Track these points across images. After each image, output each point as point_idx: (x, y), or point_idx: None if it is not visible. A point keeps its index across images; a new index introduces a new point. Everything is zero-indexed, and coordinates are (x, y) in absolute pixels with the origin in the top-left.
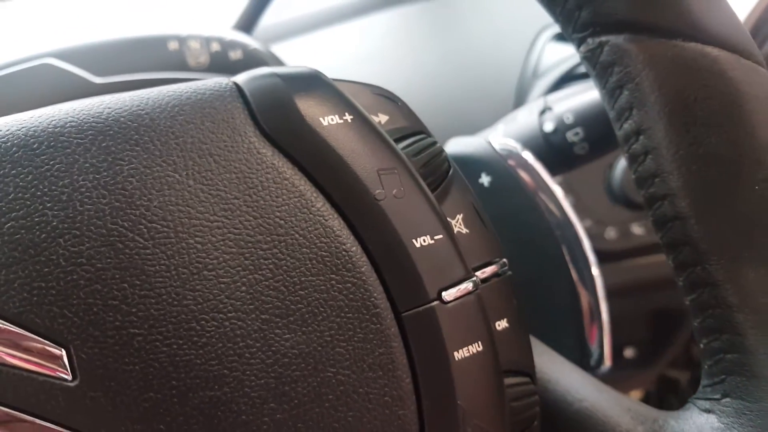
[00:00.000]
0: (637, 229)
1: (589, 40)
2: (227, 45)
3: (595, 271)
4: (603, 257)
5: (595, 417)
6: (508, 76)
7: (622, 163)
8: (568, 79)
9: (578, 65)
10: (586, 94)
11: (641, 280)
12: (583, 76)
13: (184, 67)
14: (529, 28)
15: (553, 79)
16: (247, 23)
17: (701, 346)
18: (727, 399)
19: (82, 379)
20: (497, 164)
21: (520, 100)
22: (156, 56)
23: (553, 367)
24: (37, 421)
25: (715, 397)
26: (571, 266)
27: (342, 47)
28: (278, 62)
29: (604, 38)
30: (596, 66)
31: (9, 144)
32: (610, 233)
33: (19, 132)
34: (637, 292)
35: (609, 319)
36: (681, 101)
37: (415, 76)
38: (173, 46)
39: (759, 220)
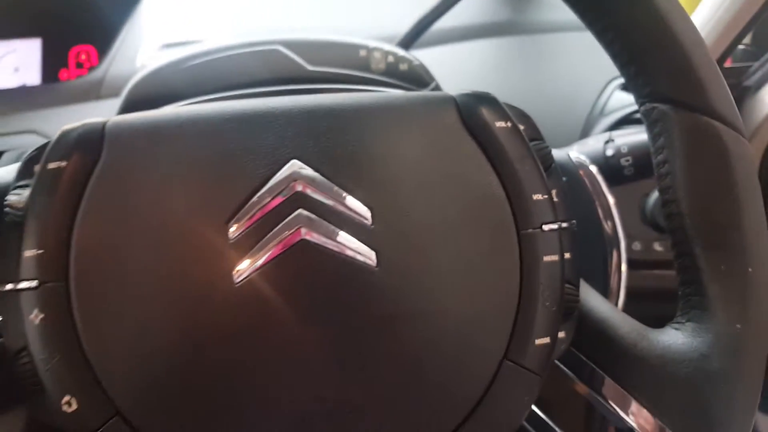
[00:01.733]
0: (657, 247)
1: (648, 104)
2: (398, 59)
3: (624, 265)
4: (628, 264)
5: (609, 324)
6: (578, 111)
7: (654, 196)
8: (626, 121)
9: (635, 112)
10: (638, 136)
11: (654, 288)
12: (638, 121)
13: (367, 69)
14: (601, 76)
15: (615, 119)
16: (408, 42)
17: (679, 291)
18: (689, 323)
19: (376, 225)
20: (572, 170)
21: (586, 131)
22: (350, 57)
23: (587, 292)
24: (351, 238)
25: (682, 321)
26: (608, 253)
27: (445, 65)
28: (428, 74)
29: (655, 104)
30: (648, 119)
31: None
32: (637, 246)
33: (355, 103)
34: (649, 297)
35: (624, 296)
36: (692, 148)
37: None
38: (363, 53)
39: (729, 224)
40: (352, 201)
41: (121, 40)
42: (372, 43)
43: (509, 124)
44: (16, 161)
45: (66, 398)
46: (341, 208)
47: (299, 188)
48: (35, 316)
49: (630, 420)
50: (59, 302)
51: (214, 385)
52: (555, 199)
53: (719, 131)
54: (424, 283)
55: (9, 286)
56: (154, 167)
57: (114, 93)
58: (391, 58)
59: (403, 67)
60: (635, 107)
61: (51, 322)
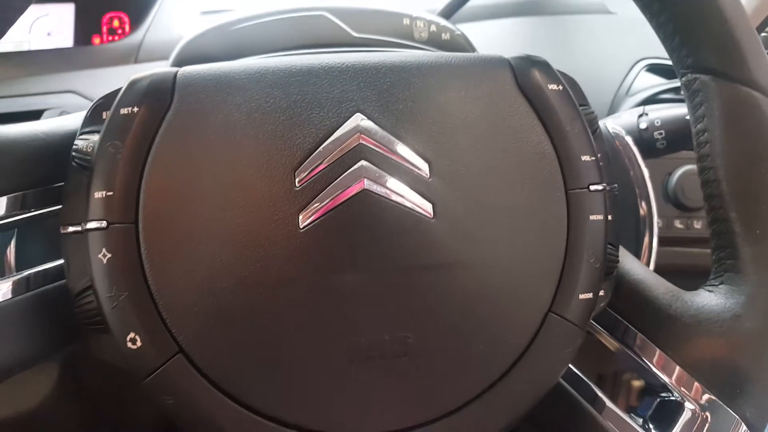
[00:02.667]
0: (678, 224)
1: (689, 75)
2: (441, 28)
3: (656, 238)
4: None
5: (645, 285)
6: (605, 91)
7: (677, 175)
8: (651, 101)
9: (661, 92)
10: (671, 111)
11: (673, 264)
12: (663, 101)
13: (410, 38)
14: (627, 58)
15: (641, 99)
16: (449, 12)
17: (713, 256)
18: (722, 285)
19: (433, 177)
20: (609, 140)
21: (612, 111)
22: (394, 26)
23: (624, 255)
24: (410, 190)
25: (716, 284)
26: (642, 222)
27: (477, 41)
28: (470, 44)
29: (697, 75)
30: (689, 90)
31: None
32: (659, 222)
33: (417, 61)
34: (669, 272)
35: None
36: (731, 117)
37: None
38: (406, 21)
39: (765, 190)
40: (411, 154)
41: (157, 8)
42: (415, 13)
43: (561, 87)
44: None
45: (131, 335)
46: (401, 161)
47: (362, 141)
48: (103, 256)
49: (664, 377)
50: (127, 243)
51: (275, 325)
52: (601, 163)
53: (758, 101)
54: (477, 235)
55: (73, 228)
56: (224, 115)
57: (152, 57)
58: (433, 28)
59: (445, 36)
60: (661, 87)
61: (119, 262)
